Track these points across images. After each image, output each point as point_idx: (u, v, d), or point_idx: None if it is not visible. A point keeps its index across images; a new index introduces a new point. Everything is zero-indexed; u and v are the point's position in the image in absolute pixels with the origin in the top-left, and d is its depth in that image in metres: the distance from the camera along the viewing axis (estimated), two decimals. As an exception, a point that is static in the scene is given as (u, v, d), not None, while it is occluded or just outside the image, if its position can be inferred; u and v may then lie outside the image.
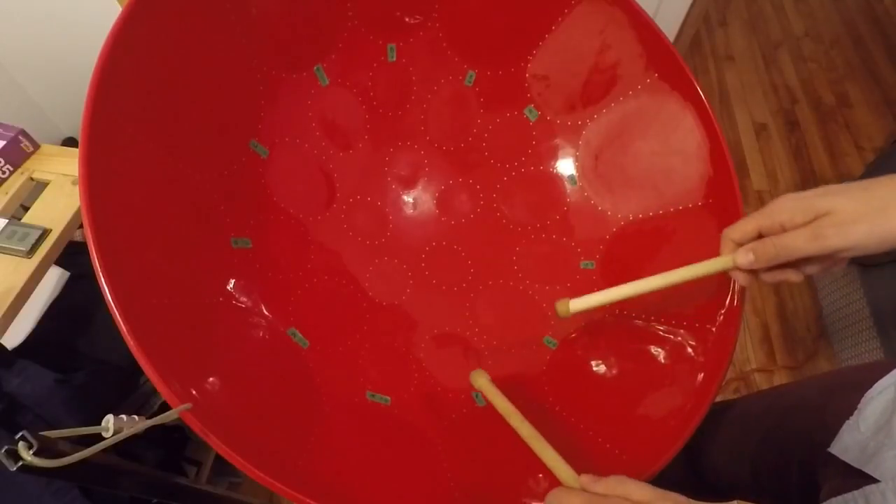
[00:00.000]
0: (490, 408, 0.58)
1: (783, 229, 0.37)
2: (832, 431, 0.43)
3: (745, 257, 0.39)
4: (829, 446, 0.43)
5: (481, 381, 0.50)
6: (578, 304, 0.48)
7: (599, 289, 0.61)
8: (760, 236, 0.39)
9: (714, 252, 0.45)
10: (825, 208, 0.35)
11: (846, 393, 0.45)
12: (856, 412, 0.42)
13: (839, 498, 0.38)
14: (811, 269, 0.40)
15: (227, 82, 0.53)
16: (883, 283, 1.07)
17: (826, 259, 0.38)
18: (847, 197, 0.35)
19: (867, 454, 0.39)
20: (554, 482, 0.45)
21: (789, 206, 0.37)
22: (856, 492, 0.37)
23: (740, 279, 0.42)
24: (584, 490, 0.35)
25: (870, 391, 0.42)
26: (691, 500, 0.32)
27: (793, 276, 0.40)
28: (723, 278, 0.51)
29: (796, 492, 0.48)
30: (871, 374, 0.44)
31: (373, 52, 0.62)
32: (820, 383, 0.52)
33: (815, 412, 0.48)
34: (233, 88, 0.54)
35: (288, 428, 0.45)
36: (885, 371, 0.43)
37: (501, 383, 0.60)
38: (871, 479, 0.37)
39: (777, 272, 0.40)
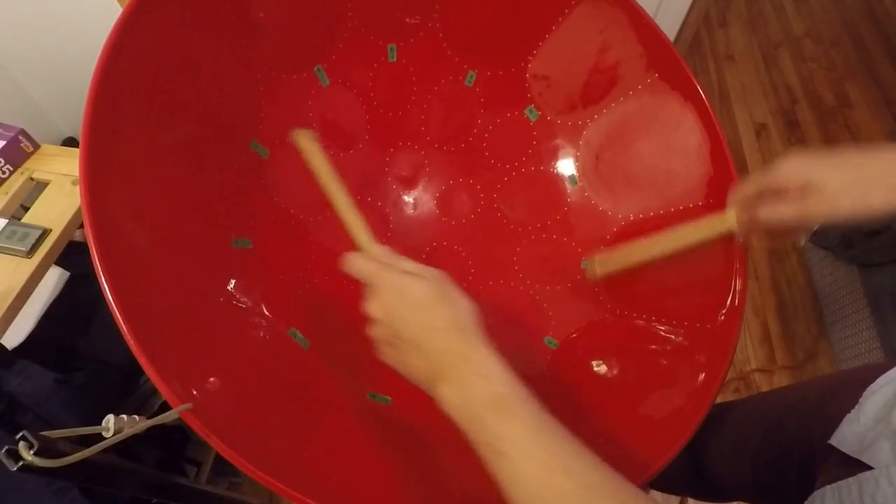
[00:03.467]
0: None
1: (778, 192, 0.42)
2: (832, 426, 0.43)
3: (741, 218, 0.46)
4: (829, 440, 0.43)
5: (302, 138, 0.49)
6: (606, 266, 0.55)
7: (599, 289, 0.61)
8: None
9: (715, 253, 0.45)
10: (818, 180, 0.40)
11: (848, 390, 0.45)
12: (856, 406, 0.43)
13: (834, 485, 0.38)
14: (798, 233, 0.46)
15: (228, 83, 0.53)
16: (883, 283, 1.07)
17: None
18: (840, 172, 0.39)
19: (864, 444, 0.39)
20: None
21: (787, 170, 0.42)
22: (850, 479, 0.37)
23: (741, 237, 0.48)
24: (372, 258, 0.41)
25: (872, 385, 0.43)
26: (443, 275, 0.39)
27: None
28: (724, 280, 0.51)
29: (796, 487, 0.48)
30: (873, 373, 0.44)
31: (373, 52, 0.62)
32: (822, 382, 0.52)
33: (817, 409, 0.48)
34: (233, 89, 0.53)
35: (288, 428, 0.45)
36: (888, 368, 0.44)
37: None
38: (866, 468, 0.37)
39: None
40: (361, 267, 0.41)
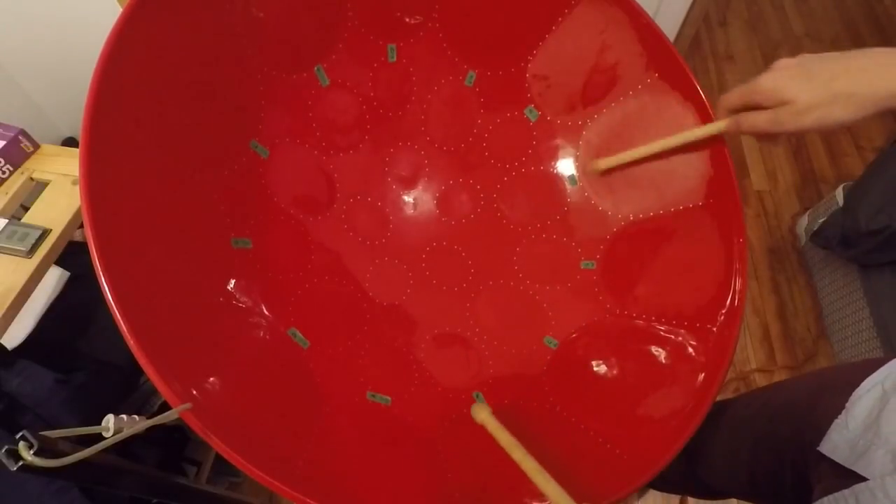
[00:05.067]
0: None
1: (758, 105, 0.47)
2: (822, 431, 0.43)
3: (728, 124, 0.50)
4: (819, 446, 0.43)
5: (483, 415, 0.50)
6: (606, 162, 0.60)
7: (599, 289, 0.62)
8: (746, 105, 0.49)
9: (715, 253, 0.45)
10: (789, 96, 0.43)
11: (835, 392, 0.45)
12: (844, 411, 0.42)
13: (830, 497, 0.38)
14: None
15: (228, 82, 0.53)
16: (883, 283, 1.07)
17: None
18: (810, 88, 0.43)
19: (856, 453, 0.39)
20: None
21: (764, 87, 0.45)
22: (846, 491, 0.37)
23: (728, 138, 0.53)
24: None
25: (857, 389, 0.43)
26: None
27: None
28: (724, 280, 0.51)
29: (791, 493, 0.48)
30: (859, 372, 0.44)
31: (373, 52, 0.62)
32: (809, 382, 0.52)
33: (806, 412, 0.48)
34: (233, 88, 0.54)
35: (288, 428, 0.45)
36: (873, 368, 0.43)
37: (502, 383, 0.60)
38: (861, 478, 0.37)
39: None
40: None
